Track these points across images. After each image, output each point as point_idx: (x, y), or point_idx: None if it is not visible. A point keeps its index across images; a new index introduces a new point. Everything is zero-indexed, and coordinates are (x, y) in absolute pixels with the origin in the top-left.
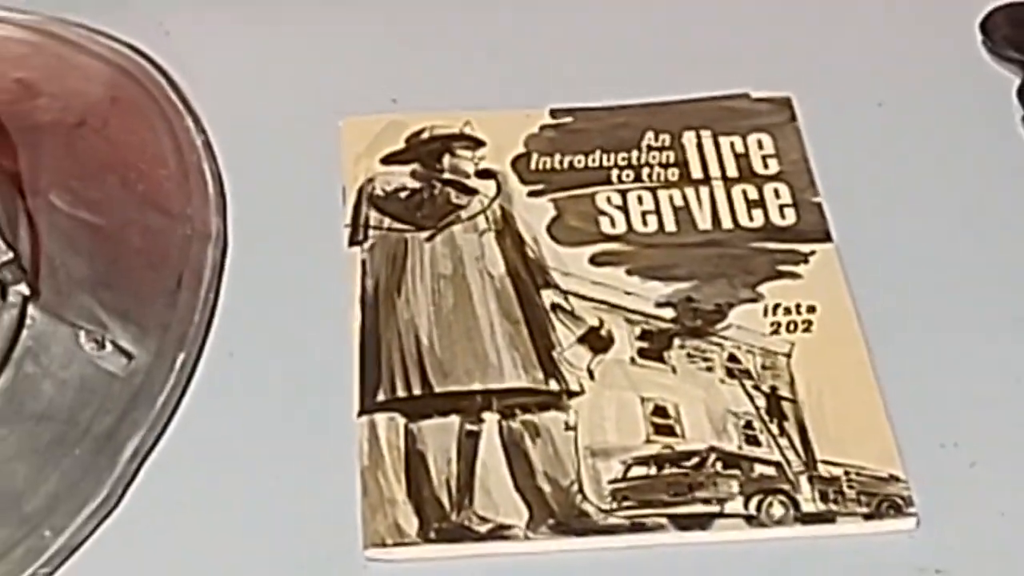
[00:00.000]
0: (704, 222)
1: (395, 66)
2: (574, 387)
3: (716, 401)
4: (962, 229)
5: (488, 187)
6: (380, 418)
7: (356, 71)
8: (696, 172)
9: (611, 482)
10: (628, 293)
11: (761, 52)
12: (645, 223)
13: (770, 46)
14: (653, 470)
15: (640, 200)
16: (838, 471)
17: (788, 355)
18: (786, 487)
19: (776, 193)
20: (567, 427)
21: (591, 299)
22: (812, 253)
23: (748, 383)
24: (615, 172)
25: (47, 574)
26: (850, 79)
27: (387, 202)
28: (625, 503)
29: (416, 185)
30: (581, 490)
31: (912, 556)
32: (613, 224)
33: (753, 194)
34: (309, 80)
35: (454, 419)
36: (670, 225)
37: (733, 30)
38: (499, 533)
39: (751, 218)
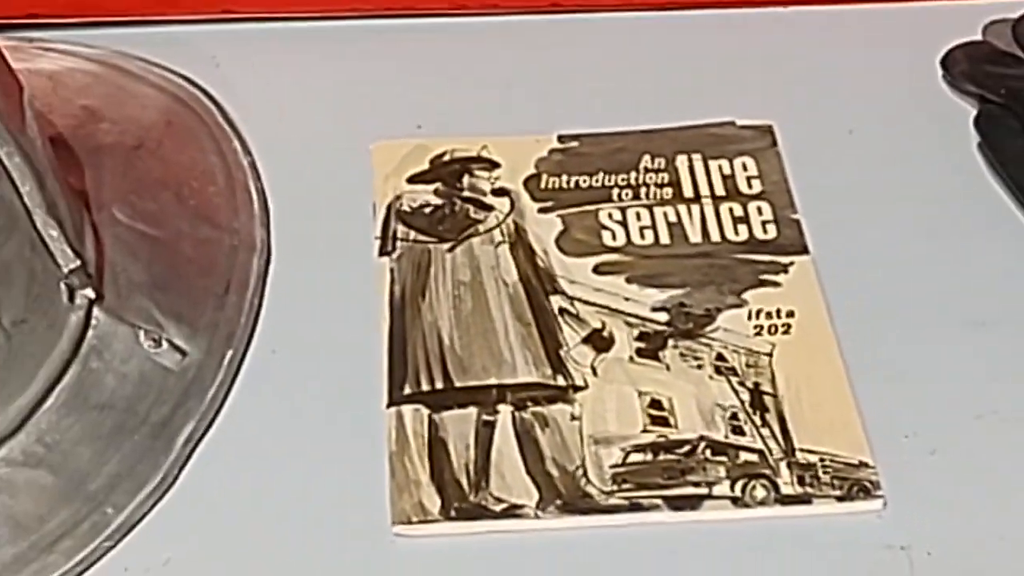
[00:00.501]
0: (695, 236)
1: (420, 96)
2: (579, 382)
3: (705, 395)
4: (925, 242)
5: (503, 204)
6: (406, 409)
7: (385, 100)
8: (688, 191)
9: (612, 467)
10: (627, 299)
11: (746, 85)
12: (643, 237)
13: (754, 80)
14: (649, 456)
15: (638, 216)
16: (814, 458)
17: (770, 355)
18: (767, 472)
19: (759, 210)
20: (572, 418)
21: (594, 304)
22: (791, 264)
23: (734, 379)
24: (616, 191)
25: (109, 547)
26: (825, 109)
27: (413, 217)
28: (624, 486)
29: (438, 202)
30: (585, 474)
31: (879, 534)
32: (614, 237)
33: (738, 211)
34: (344, 108)
35: (472, 410)
36: (665, 238)
37: (721, 65)
38: (512, 512)
39: (737, 233)
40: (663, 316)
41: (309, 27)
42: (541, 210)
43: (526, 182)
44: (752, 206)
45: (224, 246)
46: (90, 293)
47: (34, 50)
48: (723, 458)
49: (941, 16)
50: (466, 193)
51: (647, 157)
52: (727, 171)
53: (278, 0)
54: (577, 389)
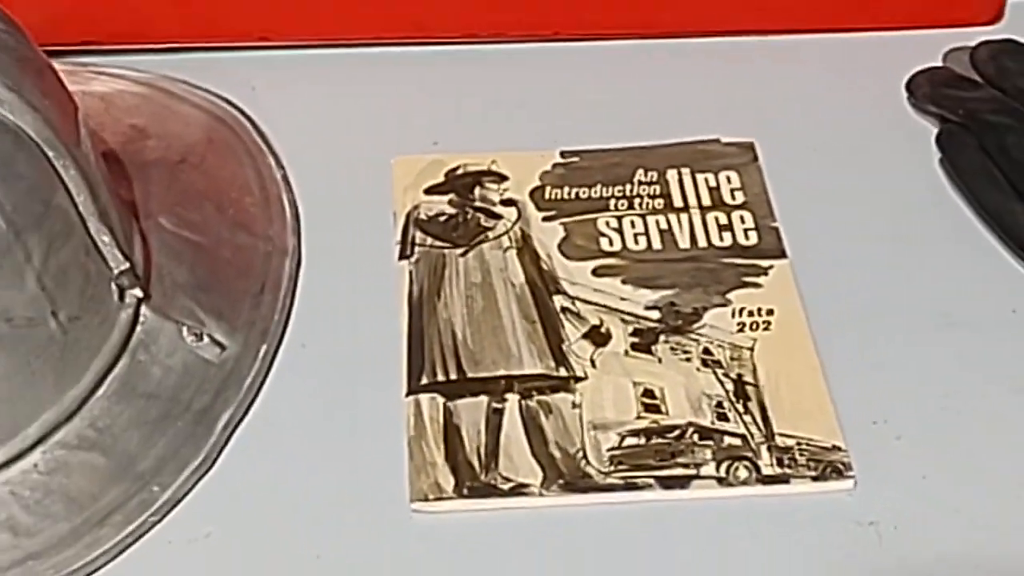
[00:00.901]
0: (684, 242)
1: (436, 115)
2: (579, 373)
3: (693, 385)
4: (892, 248)
5: (510, 213)
6: (424, 398)
7: (405, 119)
8: (677, 202)
9: (609, 450)
10: (623, 299)
11: (730, 106)
12: (637, 242)
13: (738, 102)
14: (643, 440)
15: (632, 224)
16: (791, 442)
17: (751, 349)
18: (749, 454)
19: (742, 219)
20: (574, 406)
21: (593, 303)
22: (771, 267)
23: (719, 371)
24: (612, 201)
25: (155, 521)
26: (802, 127)
27: (429, 224)
28: (620, 467)
29: (452, 211)
30: (585, 456)
31: (850, 511)
32: (611, 243)
33: (723, 220)
34: (367, 126)
35: (483, 399)
36: (657, 244)
37: (707, 89)
38: (519, 490)
39: (721, 239)
40: (655, 314)
41: (336, 54)
42: (545, 218)
43: (531, 193)
44: (735, 215)
45: (259, 251)
46: (138, 292)
47: (88, 74)
48: (709, 442)
49: (906, 44)
50: (477, 203)
51: (641, 171)
52: (713, 184)
53: (308, 29)
54: (578, 380)
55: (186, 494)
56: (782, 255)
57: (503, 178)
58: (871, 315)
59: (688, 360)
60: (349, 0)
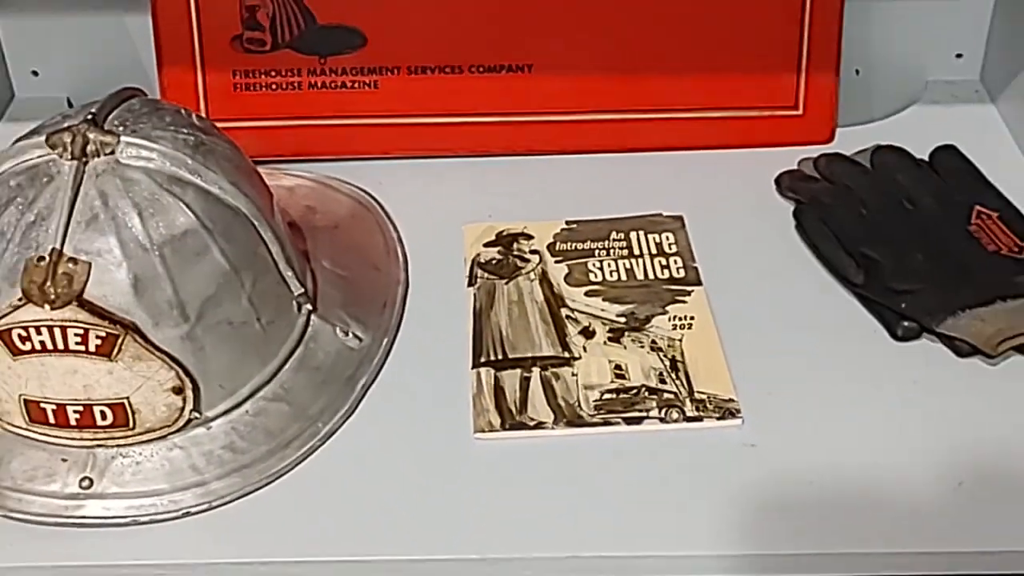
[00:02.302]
0: (640, 276)
1: (490, 199)
2: (576, 355)
3: (645, 362)
4: (766, 280)
5: (535, 259)
6: (482, 370)
7: (471, 202)
8: (636, 251)
9: (594, 401)
10: (603, 310)
11: (667, 194)
12: (612, 276)
13: (672, 191)
14: (614, 395)
15: (609, 265)
16: (704, 396)
17: (680, 340)
18: (679, 404)
19: (675, 262)
20: (572, 375)
21: (585, 313)
22: (692, 291)
23: (660, 354)
24: (597, 251)
25: (319, 445)
26: (711, 207)
27: (485, 266)
28: (601, 411)
29: (500, 257)
30: (580, 405)
31: (740, 438)
32: (596, 276)
33: (664, 262)
34: (448, 206)
35: (518, 371)
36: (624, 277)
37: (653, 183)
38: (539, 427)
39: (663, 274)
40: (623, 319)
41: (430, 162)
42: (556, 261)
43: (548, 246)
44: (671, 259)
45: (382, 282)
46: (309, 307)
47: (279, 174)
48: (655, 396)
49: (774, 156)
50: (515, 253)
51: (614, 232)
52: (658, 240)
53: (413, 148)
54: (575, 359)
55: (338, 429)
56: (699, 284)
57: (531, 237)
58: (754, 321)
59: (642, 347)
60: (436, 131)
